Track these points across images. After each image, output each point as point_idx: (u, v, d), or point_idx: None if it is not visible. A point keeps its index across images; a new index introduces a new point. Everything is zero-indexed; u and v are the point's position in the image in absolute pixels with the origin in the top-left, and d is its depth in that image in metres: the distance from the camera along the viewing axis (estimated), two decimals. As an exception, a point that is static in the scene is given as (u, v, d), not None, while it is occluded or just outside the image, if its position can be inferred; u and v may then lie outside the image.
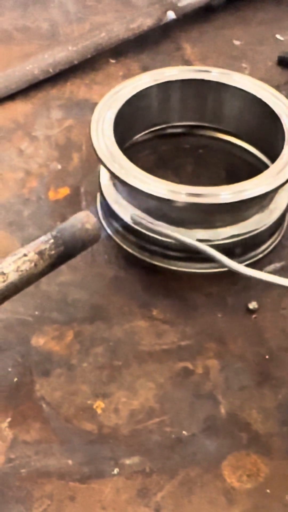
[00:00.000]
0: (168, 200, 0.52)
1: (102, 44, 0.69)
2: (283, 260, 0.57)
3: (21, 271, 0.47)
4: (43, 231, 0.57)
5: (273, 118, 0.57)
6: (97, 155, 0.54)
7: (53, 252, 0.48)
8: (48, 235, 0.48)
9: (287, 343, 0.52)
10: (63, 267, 0.55)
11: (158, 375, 0.50)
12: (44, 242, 0.48)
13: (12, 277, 0.47)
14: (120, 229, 0.56)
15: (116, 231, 0.56)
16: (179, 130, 0.63)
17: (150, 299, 0.54)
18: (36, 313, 0.53)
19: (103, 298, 0.54)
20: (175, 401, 0.49)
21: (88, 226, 0.49)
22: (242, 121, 0.60)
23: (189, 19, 0.73)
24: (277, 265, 0.57)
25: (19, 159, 0.62)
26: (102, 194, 0.57)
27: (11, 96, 0.66)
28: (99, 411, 0.48)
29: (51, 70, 0.67)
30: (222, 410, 0.49)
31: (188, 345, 0.52)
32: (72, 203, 0.59)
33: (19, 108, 0.66)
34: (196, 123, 0.62)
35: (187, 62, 0.71)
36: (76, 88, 0.68)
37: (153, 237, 0.54)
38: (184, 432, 0.48)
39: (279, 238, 0.58)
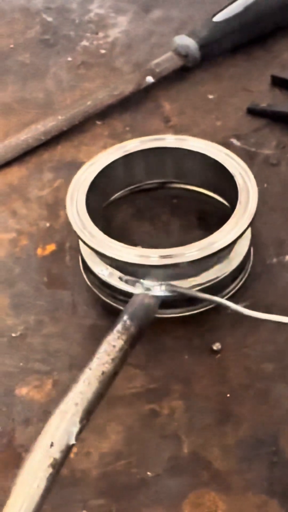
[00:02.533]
0: (128, 263, 0.49)
1: (89, 111, 0.66)
2: (247, 301, 0.53)
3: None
4: (31, 286, 0.54)
5: (228, 175, 0.53)
6: (71, 224, 0.51)
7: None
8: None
9: (247, 380, 0.49)
10: (47, 319, 0.53)
11: (127, 418, 0.47)
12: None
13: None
14: (96, 282, 0.53)
15: (93, 283, 0.53)
16: (153, 185, 0.60)
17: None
18: (21, 364, 0.50)
19: (80, 347, 0.51)
20: (142, 442, 0.46)
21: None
22: (204, 177, 0.57)
23: (167, 80, 0.70)
24: (242, 305, 0.53)
25: (12, 220, 0.59)
26: (80, 251, 0.54)
27: (8, 163, 0.64)
28: (72, 455, 0.45)
29: (43, 138, 0.65)
30: (185, 450, 0.45)
31: (155, 388, 0.48)
32: (58, 258, 0.56)
33: (15, 173, 0.63)
34: (166, 180, 0.59)
35: (166, 118, 0.67)
36: (66, 151, 0.65)
37: (123, 289, 0.51)
38: (148, 472, 0.45)
39: (242, 281, 0.54)
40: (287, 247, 0.56)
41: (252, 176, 0.53)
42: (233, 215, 0.51)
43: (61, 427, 0.40)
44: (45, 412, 0.47)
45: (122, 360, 0.45)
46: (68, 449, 0.40)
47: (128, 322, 0.46)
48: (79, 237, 0.50)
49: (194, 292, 0.51)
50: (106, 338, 0.45)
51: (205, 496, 0.43)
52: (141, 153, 0.56)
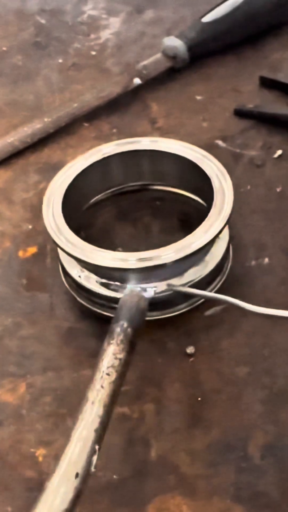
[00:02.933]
0: (101, 266, 0.49)
1: (75, 113, 0.66)
2: (223, 304, 0.52)
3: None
4: (10, 289, 0.54)
5: (205, 177, 0.53)
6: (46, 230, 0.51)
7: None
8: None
9: (219, 384, 0.48)
10: (24, 321, 0.53)
11: (98, 421, 0.47)
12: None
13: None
14: (73, 284, 0.53)
15: (71, 286, 0.53)
16: (135, 187, 0.59)
17: (98, 349, 0.50)
18: (-4, 367, 0.50)
19: (56, 350, 0.51)
20: (110, 446, 0.45)
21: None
22: (183, 178, 0.56)
23: (156, 81, 0.69)
24: (217, 308, 0.52)
25: (-4, 223, 0.59)
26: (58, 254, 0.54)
27: (-5, 165, 0.64)
28: (40, 458, 0.45)
29: (29, 140, 0.65)
30: (153, 454, 0.45)
31: (128, 391, 0.48)
32: (38, 261, 0.56)
33: (1, 175, 0.63)
34: (146, 182, 0.58)
35: (153, 120, 0.67)
36: (52, 153, 0.65)
37: (99, 293, 0.51)
38: (115, 476, 0.44)
39: (219, 284, 0.53)
40: (267, 250, 0.56)
41: (228, 178, 0.53)
42: (207, 218, 0.50)
43: (83, 456, 0.39)
44: (17, 414, 0.47)
45: (125, 373, 0.44)
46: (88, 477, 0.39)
47: (129, 330, 0.45)
48: (53, 241, 0.50)
49: (197, 291, 0.50)
50: (108, 350, 0.44)
51: (170, 500, 0.43)
52: (118, 156, 0.56)
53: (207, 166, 0.53)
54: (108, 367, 0.43)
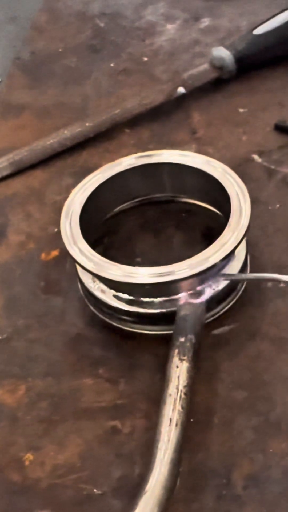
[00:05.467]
0: (113, 280, 0.47)
1: (116, 119, 0.64)
2: (232, 324, 0.50)
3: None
4: (28, 289, 0.54)
5: (224, 192, 0.50)
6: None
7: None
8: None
9: (215, 407, 0.46)
10: (35, 324, 0.52)
11: (88, 432, 0.45)
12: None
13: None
14: (86, 292, 0.52)
15: (85, 293, 0.52)
16: (162, 198, 0.57)
17: (102, 357, 0.49)
18: (1, 366, 0.50)
19: (60, 355, 0.50)
20: (96, 459, 0.44)
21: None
22: (205, 193, 0.54)
23: (201, 91, 0.67)
24: (226, 328, 0.50)
25: (25, 223, 0.59)
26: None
27: (33, 166, 0.63)
28: (27, 463, 0.44)
29: (69, 143, 0.64)
30: (137, 471, 0.43)
31: (122, 404, 0.47)
32: (58, 264, 0.55)
33: (38, 176, 0.62)
34: (169, 194, 0.56)
35: (193, 130, 0.64)
36: (90, 157, 0.63)
37: (108, 303, 0.50)
38: (95, 490, 0.43)
39: (232, 303, 0.51)
40: (285, 271, 0.52)
41: (248, 197, 0.50)
42: (221, 236, 0.48)
43: (171, 478, 0.39)
44: (13, 416, 0.47)
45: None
46: None
47: (196, 345, 0.44)
48: (67, 252, 0.49)
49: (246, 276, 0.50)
50: (182, 367, 0.43)
51: (146, 520, 0.41)
52: (141, 168, 0.54)
53: (228, 184, 0.50)
54: (184, 386, 0.42)
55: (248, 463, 0.43)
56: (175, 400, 0.42)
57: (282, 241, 0.55)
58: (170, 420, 0.41)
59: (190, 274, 0.46)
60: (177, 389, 0.42)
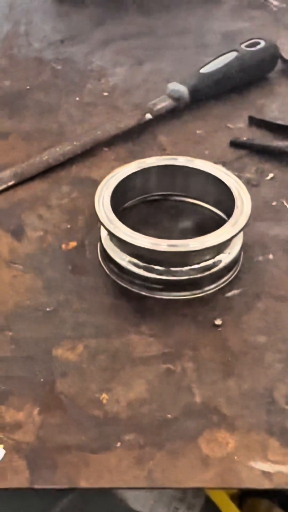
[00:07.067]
0: (148, 249, 0.55)
1: (98, 139, 0.73)
2: (240, 288, 0.59)
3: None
4: (59, 273, 0.60)
5: (226, 189, 0.61)
6: (98, 219, 0.57)
7: None
8: None
9: (245, 348, 0.54)
10: (74, 298, 0.58)
11: (148, 374, 0.52)
12: None
13: None
14: (115, 269, 0.59)
15: (112, 271, 0.59)
16: (156, 197, 0.66)
17: (139, 320, 0.56)
18: (55, 331, 0.55)
19: (104, 320, 0.56)
20: (161, 392, 0.51)
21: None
22: (204, 191, 0.64)
23: (163, 117, 0.77)
24: (235, 291, 0.59)
25: (39, 222, 0.65)
26: (101, 244, 0.60)
27: (32, 178, 0.70)
28: (104, 401, 0.50)
29: (61, 159, 0.71)
30: (197, 399, 0.51)
31: (169, 352, 0.54)
32: (79, 252, 0.62)
33: (38, 186, 0.69)
34: (169, 192, 0.66)
35: (162, 147, 0.74)
36: (79, 170, 0.71)
37: (139, 274, 0.57)
38: (168, 415, 0.50)
39: (235, 273, 0.60)
40: (269, 248, 0.63)
41: (245, 188, 0.60)
42: (231, 218, 0.58)
43: None
44: (79, 368, 0.52)
45: None
46: None
47: None
48: (107, 229, 0.56)
49: None
50: None
51: (217, 433, 0.49)
52: (154, 168, 0.63)
53: (226, 179, 0.61)
54: None
55: (283, 386, 0.52)
56: None
57: (260, 226, 0.65)
58: None
59: (217, 243, 0.55)
60: None
